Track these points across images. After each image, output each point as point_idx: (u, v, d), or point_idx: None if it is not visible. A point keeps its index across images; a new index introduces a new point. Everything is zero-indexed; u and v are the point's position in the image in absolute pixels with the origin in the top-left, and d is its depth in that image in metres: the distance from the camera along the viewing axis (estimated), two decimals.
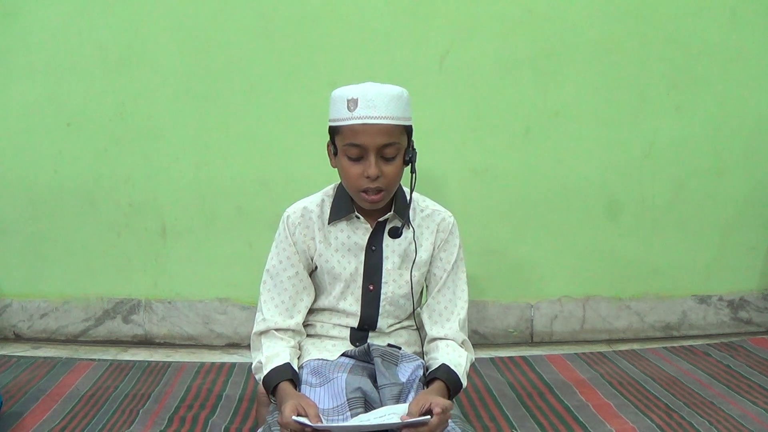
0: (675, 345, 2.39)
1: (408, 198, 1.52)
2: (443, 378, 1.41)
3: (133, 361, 2.27)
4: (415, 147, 1.50)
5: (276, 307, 1.51)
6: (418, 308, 1.60)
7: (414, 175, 1.47)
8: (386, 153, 1.41)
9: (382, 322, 1.54)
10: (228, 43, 2.37)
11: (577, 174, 2.46)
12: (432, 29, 2.37)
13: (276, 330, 1.49)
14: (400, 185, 1.53)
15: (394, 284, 1.53)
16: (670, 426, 1.71)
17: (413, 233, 1.52)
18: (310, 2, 2.36)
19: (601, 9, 2.39)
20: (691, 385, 1.99)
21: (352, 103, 1.39)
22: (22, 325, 2.52)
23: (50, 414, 1.80)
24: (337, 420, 1.31)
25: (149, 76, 2.39)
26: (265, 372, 1.42)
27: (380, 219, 1.51)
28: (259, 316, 1.51)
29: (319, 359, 1.47)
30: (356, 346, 1.51)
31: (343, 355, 1.49)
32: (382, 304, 1.53)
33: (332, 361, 1.46)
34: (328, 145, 1.49)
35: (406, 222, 1.51)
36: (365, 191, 1.42)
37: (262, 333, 1.50)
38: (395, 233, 1.49)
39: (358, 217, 1.51)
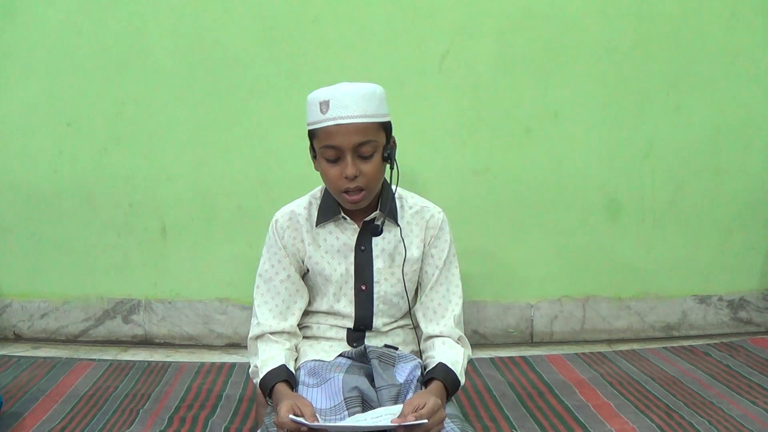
0: (675, 345, 2.39)
1: (393, 195, 1.52)
2: (441, 377, 1.41)
3: (133, 361, 2.27)
4: (396, 142, 1.49)
5: (270, 311, 1.51)
6: (414, 306, 1.59)
7: (395, 171, 1.46)
8: (363, 151, 1.40)
9: (378, 322, 1.54)
10: (228, 44, 2.37)
11: (577, 174, 2.46)
12: (432, 29, 2.37)
13: (271, 333, 1.49)
14: (386, 183, 1.52)
15: (386, 283, 1.53)
16: (670, 426, 1.71)
17: (400, 231, 1.52)
18: (310, 2, 2.36)
19: (601, 9, 2.39)
20: (691, 385, 1.99)
21: (324, 105, 1.39)
22: (22, 325, 2.52)
23: (50, 414, 1.80)
24: (335, 420, 1.31)
25: (149, 76, 2.39)
26: (261, 375, 1.43)
27: (366, 219, 1.51)
28: (254, 321, 1.52)
29: (315, 360, 1.47)
30: (353, 347, 1.51)
31: (340, 356, 1.49)
32: (375, 303, 1.53)
33: (329, 361, 1.46)
34: (309, 149, 1.49)
35: (388, 218, 1.50)
36: (346, 192, 1.42)
37: (257, 337, 1.51)
38: (375, 231, 1.49)
39: (345, 218, 1.51)
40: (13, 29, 2.38)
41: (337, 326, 1.55)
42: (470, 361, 2.21)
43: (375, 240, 1.52)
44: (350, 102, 1.38)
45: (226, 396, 1.95)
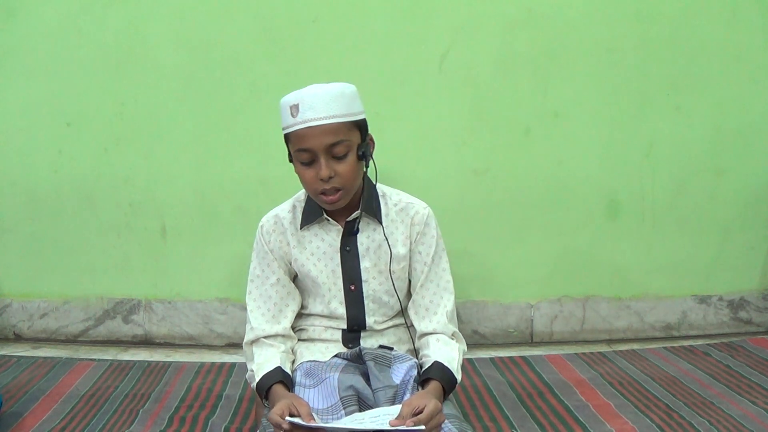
0: (675, 345, 2.39)
1: (377, 193, 1.52)
2: (437, 377, 1.41)
3: (133, 361, 2.27)
4: (373, 139, 1.49)
5: (263, 315, 1.52)
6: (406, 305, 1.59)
7: (375, 168, 1.46)
8: (335, 152, 1.40)
9: (371, 320, 1.54)
10: (228, 43, 2.37)
11: (577, 174, 2.45)
12: (432, 29, 2.37)
13: (265, 338, 1.50)
14: (369, 181, 1.52)
15: (374, 282, 1.53)
16: (670, 426, 1.71)
17: (383, 229, 1.51)
18: (310, 2, 2.36)
19: (601, 9, 2.39)
20: (691, 385, 1.99)
21: (294, 109, 1.39)
22: (22, 325, 2.52)
23: (50, 414, 1.80)
24: (332, 419, 1.31)
25: (149, 76, 2.39)
26: (257, 379, 1.43)
27: (349, 219, 1.51)
28: (248, 326, 1.53)
29: (311, 361, 1.48)
30: (349, 348, 1.52)
31: (335, 356, 1.49)
32: (366, 302, 1.53)
33: (324, 362, 1.47)
34: (288, 154, 1.49)
35: (371, 216, 1.50)
36: (323, 193, 1.42)
37: (252, 342, 1.51)
38: (352, 230, 1.49)
39: (328, 220, 1.51)
40: (13, 29, 2.38)
41: (331, 327, 1.55)
42: (470, 361, 2.22)
43: (360, 239, 1.52)
44: (319, 104, 1.37)
45: (226, 396, 1.95)
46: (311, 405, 1.34)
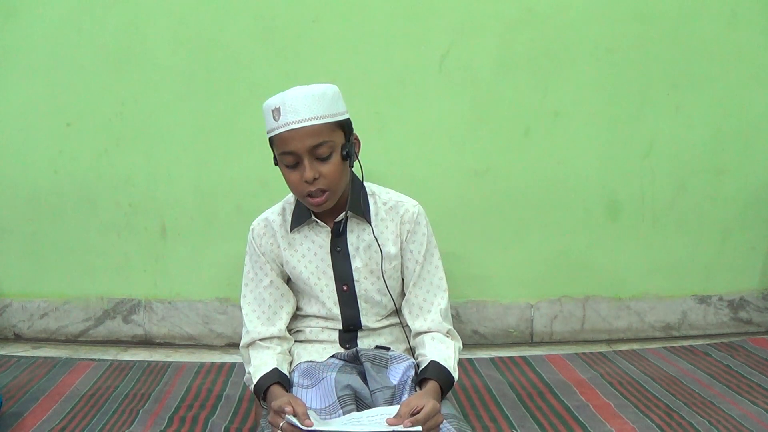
0: (675, 345, 2.39)
1: (365, 193, 1.52)
2: (434, 376, 1.41)
3: (133, 361, 2.27)
4: (358, 138, 1.48)
5: (258, 318, 1.53)
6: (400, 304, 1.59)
7: (360, 167, 1.46)
8: (319, 153, 1.40)
9: (366, 320, 1.54)
10: (228, 43, 2.37)
11: (577, 174, 2.45)
12: (432, 29, 2.37)
13: (260, 340, 1.51)
14: (359, 181, 1.52)
15: (366, 281, 1.53)
16: (670, 426, 1.71)
17: (372, 229, 1.51)
18: (310, 2, 2.36)
19: (601, 9, 2.39)
20: (691, 385, 1.99)
21: (276, 113, 1.39)
22: (22, 325, 2.52)
23: (50, 414, 1.80)
24: (330, 419, 1.31)
25: (149, 75, 2.39)
26: (255, 381, 1.43)
27: (336, 220, 1.51)
28: (243, 330, 1.54)
29: (308, 361, 1.48)
30: (346, 349, 1.52)
31: (333, 356, 1.49)
32: (359, 302, 1.53)
33: (321, 362, 1.47)
34: (273, 158, 1.49)
35: (360, 217, 1.50)
36: (310, 195, 1.42)
37: (248, 345, 1.52)
38: (337, 231, 1.50)
39: (317, 221, 1.51)
40: (13, 29, 2.38)
41: (328, 328, 1.55)
42: (470, 361, 2.22)
43: (349, 239, 1.52)
44: (300, 106, 1.37)
45: (226, 396, 1.95)
46: (309, 405, 1.34)
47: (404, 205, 1.55)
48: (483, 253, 2.46)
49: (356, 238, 1.52)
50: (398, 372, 1.43)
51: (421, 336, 1.50)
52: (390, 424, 1.23)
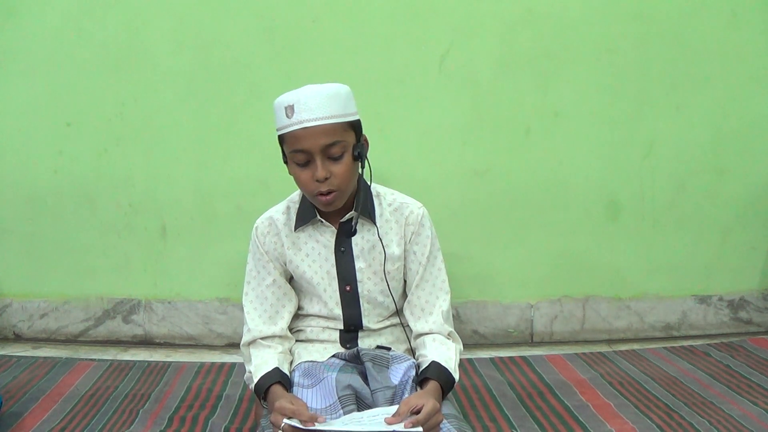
0: (675, 345, 2.39)
1: (371, 193, 1.52)
2: (435, 377, 1.41)
3: (133, 361, 2.27)
4: (367, 140, 1.48)
5: (259, 317, 1.52)
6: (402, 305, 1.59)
7: (366, 168, 1.46)
8: (331, 153, 1.40)
9: (367, 321, 1.54)
10: (228, 43, 2.37)
11: (577, 174, 2.45)
12: (432, 29, 2.37)
13: (262, 339, 1.50)
14: (363, 181, 1.52)
15: (369, 282, 1.53)
16: (670, 426, 1.71)
17: (377, 230, 1.51)
18: (310, 2, 2.36)
19: (601, 9, 2.39)
20: (691, 385, 1.99)
21: (289, 110, 1.38)
22: (22, 325, 2.52)
23: (50, 414, 1.80)
24: (330, 419, 1.31)
25: (149, 76, 2.39)
26: (255, 380, 1.43)
27: (342, 220, 1.51)
28: (245, 328, 1.53)
29: (309, 361, 1.48)
30: (346, 348, 1.52)
31: (333, 356, 1.49)
32: (361, 303, 1.53)
33: (322, 362, 1.47)
34: (282, 155, 1.49)
35: (365, 217, 1.50)
36: (320, 194, 1.42)
37: (249, 344, 1.52)
38: (349, 232, 1.49)
39: (322, 221, 1.51)
40: (13, 29, 2.38)
41: (329, 328, 1.55)
42: (470, 361, 2.22)
43: (354, 240, 1.52)
44: (315, 104, 1.37)
45: (226, 396, 1.95)
46: (310, 405, 1.34)
47: (409, 206, 1.55)
48: (483, 253, 2.46)
49: (361, 238, 1.52)
50: (399, 372, 1.43)
51: (423, 337, 1.50)
52: (389, 423, 1.23)
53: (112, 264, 2.48)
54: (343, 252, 1.52)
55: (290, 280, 1.58)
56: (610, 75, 2.42)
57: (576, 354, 2.32)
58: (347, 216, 1.50)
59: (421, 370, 1.44)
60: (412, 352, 1.56)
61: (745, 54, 2.43)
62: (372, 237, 1.52)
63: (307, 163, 1.40)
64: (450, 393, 1.47)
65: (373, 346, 1.53)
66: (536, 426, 1.75)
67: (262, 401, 1.45)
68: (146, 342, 2.50)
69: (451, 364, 1.44)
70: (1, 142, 2.44)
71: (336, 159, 1.40)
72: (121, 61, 2.38)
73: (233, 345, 2.48)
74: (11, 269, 2.50)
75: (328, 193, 1.41)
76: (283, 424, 1.26)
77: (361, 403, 1.35)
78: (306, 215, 1.52)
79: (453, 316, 1.62)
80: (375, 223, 1.51)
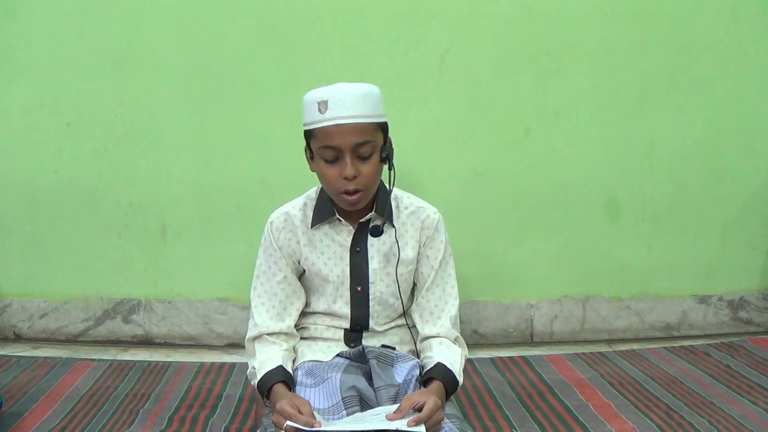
0: (675, 345, 2.39)
1: (389, 195, 1.51)
2: (440, 377, 1.41)
3: (133, 361, 2.27)
4: (392, 143, 1.48)
5: (267, 312, 1.51)
6: (410, 307, 1.59)
7: (393, 171, 1.46)
8: (361, 152, 1.40)
9: (374, 322, 1.54)
10: (228, 43, 2.37)
11: (577, 174, 2.46)
12: (432, 29, 2.37)
13: (268, 335, 1.49)
14: (382, 183, 1.52)
15: (381, 284, 1.53)
16: (670, 426, 1.71)
17: (395, 232, 1.51)
18: (310, 2, 2.36)
19: (601, 9, 2.39)
20: (691, 385, 1.99)
21: (322, 105, 1.38)
22: (22, 325, 2.52)
23: (50, 414, 1.80)
24: (333, 419, 1.31)
25: (149, 76, 2.39)
26: (259, 377, 1.43)
27: (362, 220, 1.51)
28: (251, 323, 1.53)
29: (313, 360, 1.48)
30: (351, 347, 1.51)
31: (338, 356, 1.49)
32: (371, 304, 1.53)
33: (326, 361, 1.47)
34: (305, 150, 1.49)
35: (387, 220, 1.50)
36: (345, 192, 1.41)
37: (254, 339, 1.51)
38: (376, 231, 1.48)
39: (340, 220, 1.51)
40: (13, 29, 2.38)
41: (334, 327, 1.55)
42: (470, 361, 2.22)
43: (370, 241, 1.52)
44: (349, 102, 1.37)
45: (226, 396, 1.95)
46: (312, 404, 1.34)
47: (425, 211, 1.56)
48: (483, 253, 2.46)
49: (377, 240, 1.52)
50: (403, 371, 1.43)
51: (429, 340, 1.51)
52: (390, 420, 1.23)
53: (112, 264, 2.48)
54: (359, 252, 1.52)
55: (299, 277, 1.58)
56: (610, 75, 2.42)
57: (576, 354, 2.32)
58: (367, 216, 1.50)
59: (425, 370, 1.44)
60: (416, 353, 1.56)
61: (745, 54, 2.43)
62: (388, 239, 1.52)
63: (335, 160, 1.40)
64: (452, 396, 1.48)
65: (378, 345, 1.53)
66: (536, 426, 1.75)
67: (264, 399, 1.45)
68: (146, 342, 2.50)
69: (456, 367, 1.45)
70: (1, 142, 2.44)
71: (365, 159, 1.40)
72: (121, 61, 2.38)
73: (233, 345, 2.48)
74: (11, 269, 2.50)
75: (354, 192, 1.41)
76: (285, 425, 1.26)
77: (365, 405, 1.35)
78: (324, 213, 1.51)
79: None
80: (393, 225, 1.51)
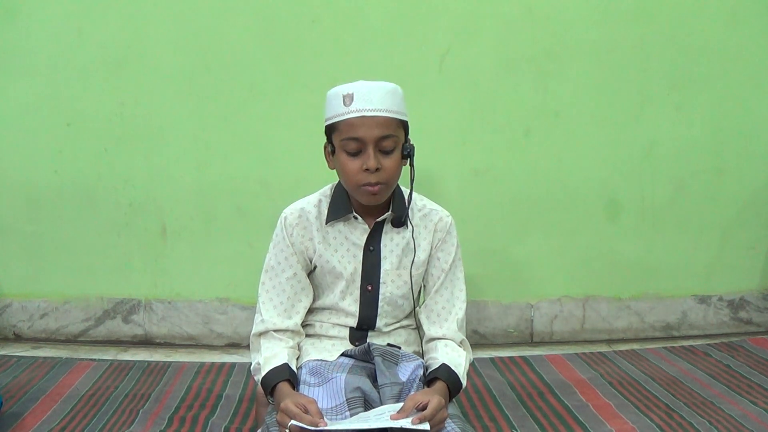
0: (675, 345, 2.39)
1: (407, 195, 1.52)
2: (444, 378, 1.41)
3: (133, 361, 2.27)
4: (412, 143, 1.49)
5: (274, 308, 1.50)
6: (417, 308, 1.59)
7: (413, 169, 1.48)
8: (384, 146, 1.41)
9: (381, 322, 1.54)
10: (228, 43, 2.37)
11: (577, 174, 2.46)
12: (432, 29, 2.37)
13: (275, 331, 1.49)
14: (398, 185, 1.52)
15: (392, 285, 1.53)
16: (670, 426, 1.71)
17: (411, 232, 1.52)
18: (310, 2, 2.36)
19: (601, 9, 2.39)
20: (691, 385, 1.99)
21: (347, 98, 1.39)
22: (22, 325, 2.52)
23: (50, 414, 1.80)
24: (336, 419, 1.31)
25: (149, 76, 2.39)
26: (264, 373, 1.42)
27: (378, 219, 1.51)
28: (257, 318, 1.52)
29: (317, 360, 1.47)
30: (356, 346, 1.51)
31: (342, 354, 1.49)
32: (380, 304, 1.53)
33: (331, 361, 1.46)
34: (325, 147, 1.49)
35: (405, 218, 1.51)
36: (365, 185, 1.42)
37: (260, 334, 1.50)
38: (398, 222, 1.49)
39: (356, 218, 1.51)
40: (13, 29, 2.38)
41: (339, 325, 1.55)
42: (470, 363, 2.22)
43: (384, 241, 1.52)
44: (374, 96, 1.39)
45: (226, 396, 1.95)
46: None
47: (438, 213, 1.57)
48: (483, 253, 2.46)
49: (390, 240, 1.52)
50: (408, 370, 1.43)
51: (435, 342, 1.51)
52: (394, 420, 1.23)
53: (112, 264, 2.48)
54: (372, 251, 1.52)
55: (309, 274, 1.57)
56: (610, 75, 2.42)
57: (576, 354, 2.32)
58: (384, 216, 1.50)
59: (429, 371, 1.44)
60: (421, 354, 1.55)
61: (745, 54, 2.44)
62: (402, 239, 1.52)
63: (358, 153, 1.41)
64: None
65: (384, 344, 1.53)
66: (536, 426, 1.75)
67: (268, 396, 1.45)
68: (146, 342, 2.50)
69: (461, 369, 1.45)
70: (1, 142, 2.44)
71: (387, 153, 1.42)
72: (121, 61, 2.38)
73: (233, 345, 2.48)
74: (11, 269, 2.50)
75: (376, 184, 1.41)
76: (290, 424, 1.25)
77: (369, 407, 1.35)
78: (339, 210, 1.51)
79: None
80: (411, 225, 1.52)
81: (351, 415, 1.30)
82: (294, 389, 1.40)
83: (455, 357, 1.46)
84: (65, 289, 2.50)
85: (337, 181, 1.53)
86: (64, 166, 2.44)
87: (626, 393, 1.94)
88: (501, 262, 2.48)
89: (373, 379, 1.41)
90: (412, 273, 1.52)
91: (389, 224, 1.52)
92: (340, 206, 1.51)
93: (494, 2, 2.37)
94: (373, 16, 2.37)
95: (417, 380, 1.42)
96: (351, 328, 1.54)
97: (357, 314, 1.53)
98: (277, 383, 1.40)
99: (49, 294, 2.50)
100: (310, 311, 1.58)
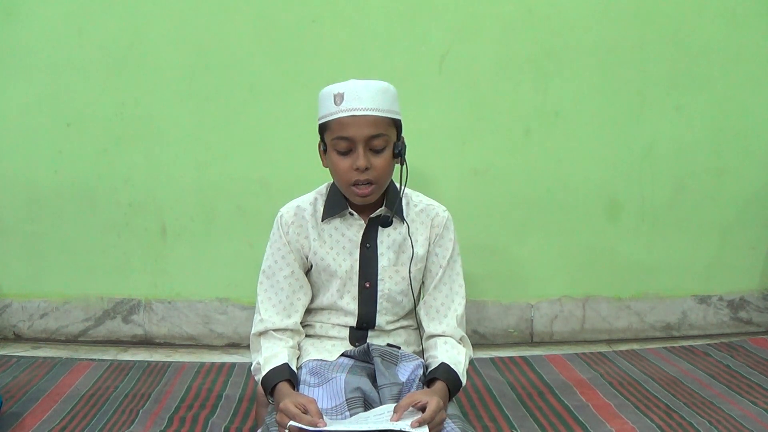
0: (675, 345, 2.39)
1: (400, 192, 1.52)
2: (443, 378, 1.41)
3: (133, 361, 2.27)
4: (405, 142, 1.49)
5: (273, 307, 1.51)
6: (418, 307, 1.59)
7: (405, 167, 1.47)
8: (375, 145, 1.41)
9: (381, 320, 1.54)
10: (228, 43, 2.38)
11: (577, 174, 2.46)
12: (432, 29, 2.37)
13: (274, 330, 1.49)
14: (392, 182, 1.52)
15: (390, 281, 1.53)
16: (670, 426, 1.71)
17: (407, 228, 1.52)
18: (310, 2, 2.36)
19: (601, 9, 2.39)
20: (691, 385, 1.99)
21: (338, 98, 1.40)
22: (22, 325, 2.52)
23: (50, 414, 1.80)
24: (335, 419, 1.31)
25: (149, 76, 2.39)
26: (264, 373, 1.42)
27: (372, 215, 1.51)
28: (257, 317, 1.52)
29: (318, 360, 1.47)
30: (356, 346, 1.51)
31: (342, 355, 1.49)
32: (379, 301, 1.53)
33: (331, 361, 1.46)
34: (318, 145, 1.50)
35: (397, 214, 1.51)
36: (355, 184, 1.42)
37: (260, 334, 1.50)
38: (385, 222, 1.49)
39: (352, 214, 1.51)
40: (13, 29, 2.38)
41: (339, 325, 1.55)
42: (470, 361, 2.22)
43: (380, 237, 1.52)
44: (365, 95, 1.39)
45: (226, 396, 1.95)
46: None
47: (435, 209, 1.57)
48: (483, 253, 2.46)
49: (387, 236, 1.52)
50: (407, 370, 1.43)
51: (435, 339, 1.51)
52: (393, 420, 1.23)
53: (112, 264, 2.48)
54: (368, 248, 1.52)
55: (306, 273, 1.57)
56: (610, 75, 2.42)
57: (576, 354, 2.32)
58: (378, 212, 1.50)
59: (429, 370, 1.44)
60: (421, 355, 1.55)
61: (745, 54, 2.44)
62: (399, 235, 1.52)
63: (348, 152, 1.42)
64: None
65: (383, 344, 1.53)
66: (536, 426, 1.75)
67: (268, 396, 1.45)
68: (146, 342, 2.50)
69: (460, 367, 1.44)
70: (1, 142, 2.44)
71: (377, 152, 1.42)
72: (121, 61, 2.38)
73: (233, 345, 2.48)
74: (11, 269, 2.50)
75: (366, 183, 1.42)
76: (289, 425, 1.25)
77: (369, 407, 1.35)
78: (335, 207, 1.51)
79: None
80: (406, 222, 1.52)
81: (351, 415, 1.30)
82: (294, 389, 1.40)
83: (455, 355, 1.46)
84: (65, 289, 2.50)
85: (332, 180, 1.53)
86: (64, 166, 2.44)
87: (626, 393, 1.94)
88: (501, 261, 2.48)
89: (373, 379, 1.41)
90: (411, 269, 1.52)
91: (383, 218, 1.51)
92: (336, 203, 1.52)
93: (494, 2, 2.37)
94: (373, 16, 2.37)
95: (416, 380, 1.42)
96: (351, 328, 1.54)
97: (356, 312, 1.53)
98: (277, 383, 1.40)
99: (49, 294, 2.50)
100: (310, 312, 1.58)
